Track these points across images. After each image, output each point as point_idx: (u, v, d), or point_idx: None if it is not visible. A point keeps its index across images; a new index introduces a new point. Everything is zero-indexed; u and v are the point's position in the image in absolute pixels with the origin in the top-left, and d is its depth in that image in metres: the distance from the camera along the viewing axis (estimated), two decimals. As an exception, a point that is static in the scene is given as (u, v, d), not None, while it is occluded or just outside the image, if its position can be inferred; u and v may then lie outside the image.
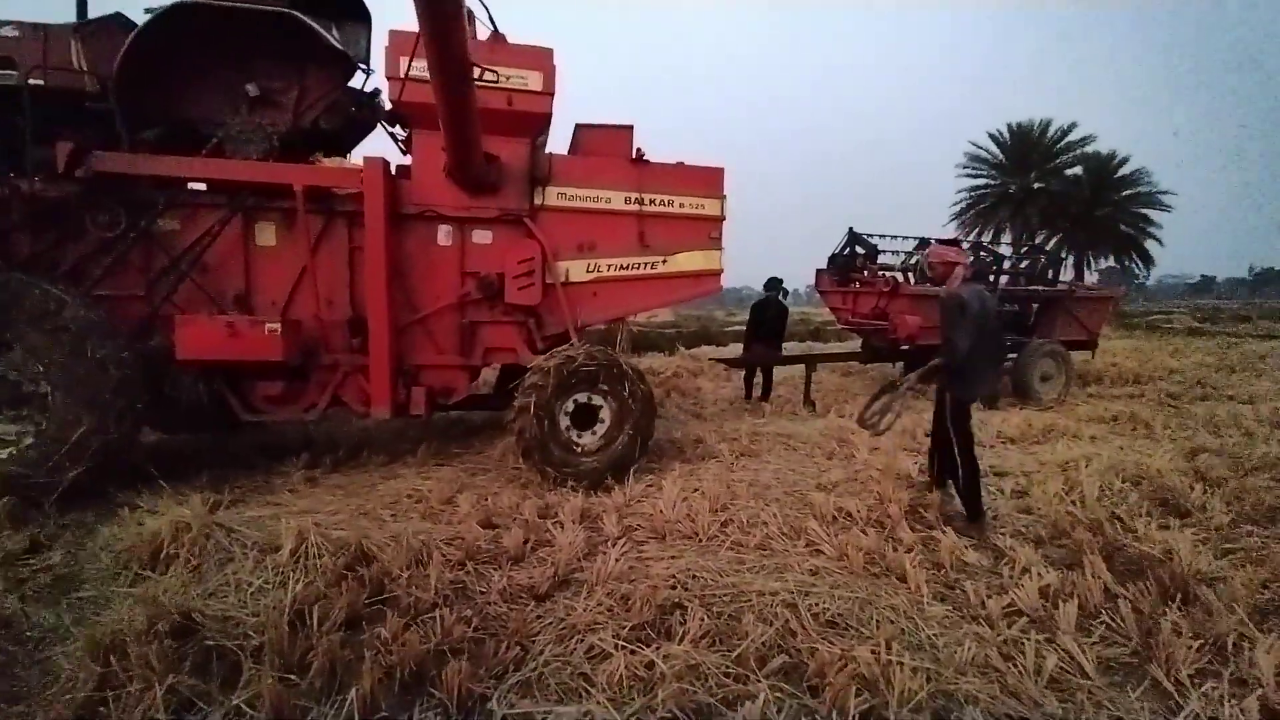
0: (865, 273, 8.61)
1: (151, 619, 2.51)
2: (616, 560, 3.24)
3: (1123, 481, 4.51)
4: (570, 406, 4.80)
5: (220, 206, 4.72)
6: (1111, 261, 30.34)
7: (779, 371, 8.39)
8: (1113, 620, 2.75)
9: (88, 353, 4.05)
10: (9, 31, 4.36)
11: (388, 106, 5.21)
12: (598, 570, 3.13)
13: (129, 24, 4.67)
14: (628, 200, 5.41)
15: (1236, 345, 14.53)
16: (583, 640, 2.57)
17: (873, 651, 2.43)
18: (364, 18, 5.17)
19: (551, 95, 4.97)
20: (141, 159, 4.48)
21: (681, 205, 5.55)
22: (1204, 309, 31.33)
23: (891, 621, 2.71)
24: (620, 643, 2.53)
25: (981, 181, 29.72)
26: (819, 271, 9.09)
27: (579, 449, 4.79)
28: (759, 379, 8.24)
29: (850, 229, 8.78)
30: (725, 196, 5.73)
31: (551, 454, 4.65)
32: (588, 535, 3.63)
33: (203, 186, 4.80)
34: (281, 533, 3.34)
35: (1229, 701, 2.26)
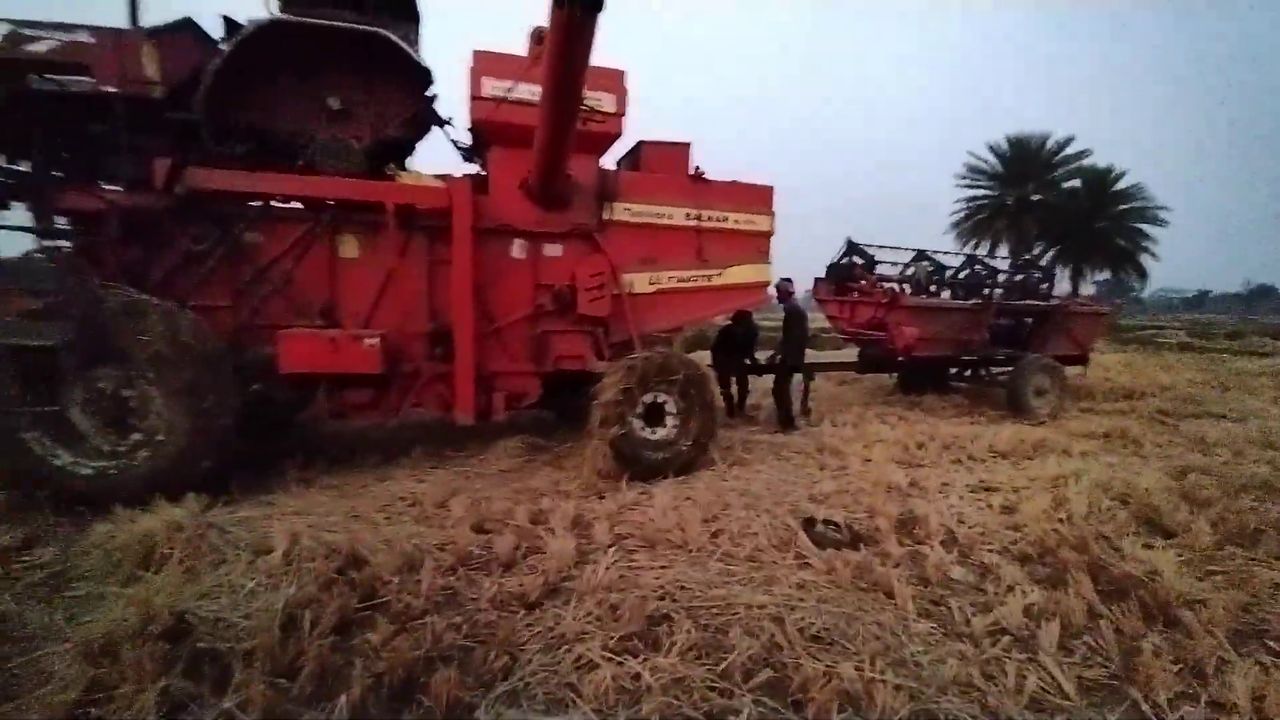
0: (863, 283, 8.65)
1: (144, 620, 2.54)
2: (606, 569, 3.27)
3: (1111, 499, 4.55)
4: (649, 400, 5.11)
5: (304, 220, 4.86)
6: (1107, 274, 30.51)
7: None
8: (1095, 641, 2.79)
9: (218, 413, 4.20)
10: (84, 37, 4.32)
11: (446, 116, 5.47)
12: (588, 579, 3.15)
13: (200, 30, 4.74)
14: (688, 216, 5.71)
15: (1228, 362, 14.63)
16: (571, 650, 2.60)
17: (857, 668, 2.47)
18: (415, 17, 5.30)
19: (623, 116, 5.22)
20: (239, 176, 4.58)
21: (736, 221, 5.88)
22: (1198, 324, 31.48)
23: (877, 638, 2.74)
24: (608, 654, 2.55)
25: (980, 192, 29.86)
26: (817, 280, 9.13)
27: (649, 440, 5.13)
28: (734, 391, 8.11)
29: (848, 239, 8.82)
30: (774, 213, 6.02)
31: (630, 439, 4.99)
32: (579, 543, 3.64)
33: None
34: (274, 535, 3.38)
35: (1205, 725, 2.30)
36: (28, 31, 4.22)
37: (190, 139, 4.59)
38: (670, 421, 5.19)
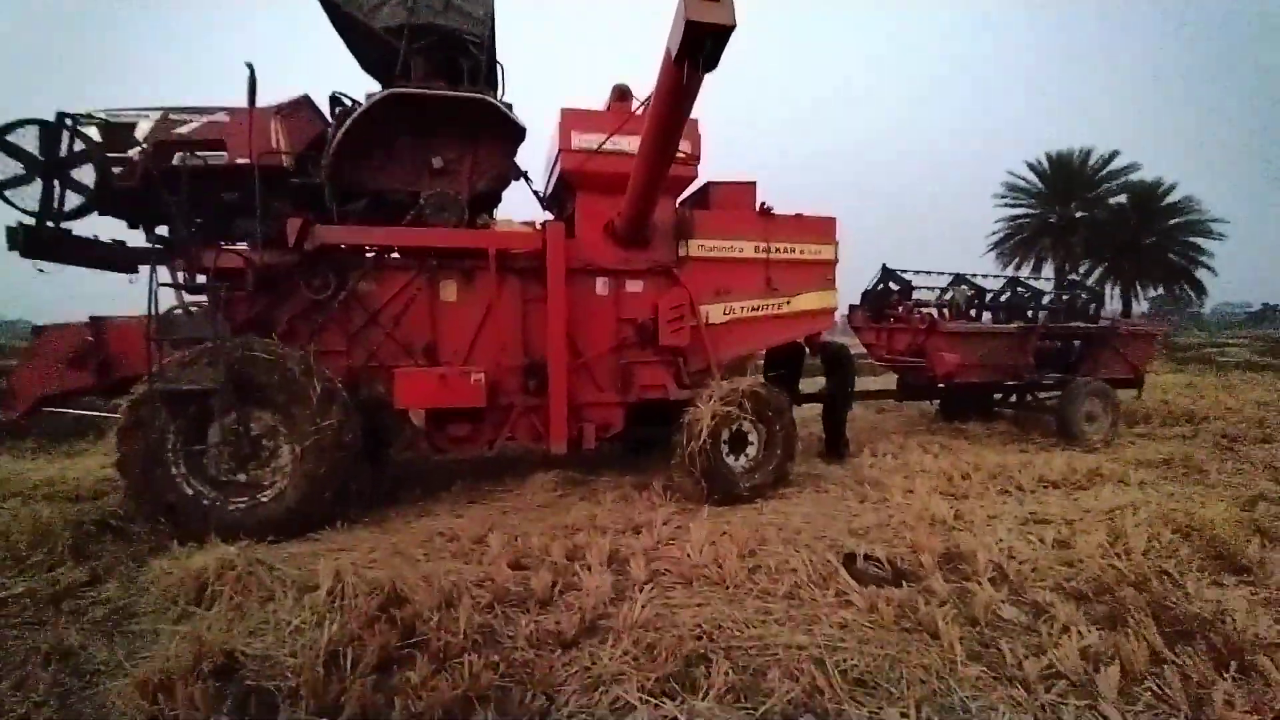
0: (900, 309, 8.53)
1: (196, 658, 2.63)
2: (643, 607, 3.24)
3: (1173, 533, 4.30)
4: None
5: (410, 268, 5.29)
6: (1161, 291, 29.25)
7: (811, 409, 8.25)
8: (1160, 688, 2.62)
9: (341, 449, 4.56)
10: (221, 117, 4.88)
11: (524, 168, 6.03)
12: (624, 617, 3.13)
13: (315, 105, 5.37)
14: (757, 249, 6.07)
15: (1301, 381, 13.75)
16: (608, 691, 2.58)
17: (902, 714, 2.39)
18: (496, 83, 5.77)
19: (698, 160, 5.64)
20: (359, 230, 5.14)
21: (802, 252, 6.23)
22: (1265, 340, 29.69)
23: (923, 682, 2.64)
24: (645, 696, 2.53)
25: (1021, 211, 29.21)
26: (852, 307, 9.04)
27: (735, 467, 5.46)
28: None
29: (884, 265, 8.75)
30: (838, 242, 6.37)
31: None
32: (615, 579, 3.63)
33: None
34: (319, 571, 3.47)
35: (1288, 783, 2.13)
36: (175, 116, 4.82)
37: (310, 201, 5.08)
38: (751, 450, 5.48)
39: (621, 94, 5.64)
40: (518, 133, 5.39)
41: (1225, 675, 2.68)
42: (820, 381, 7.36)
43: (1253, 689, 2.60)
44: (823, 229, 6.34)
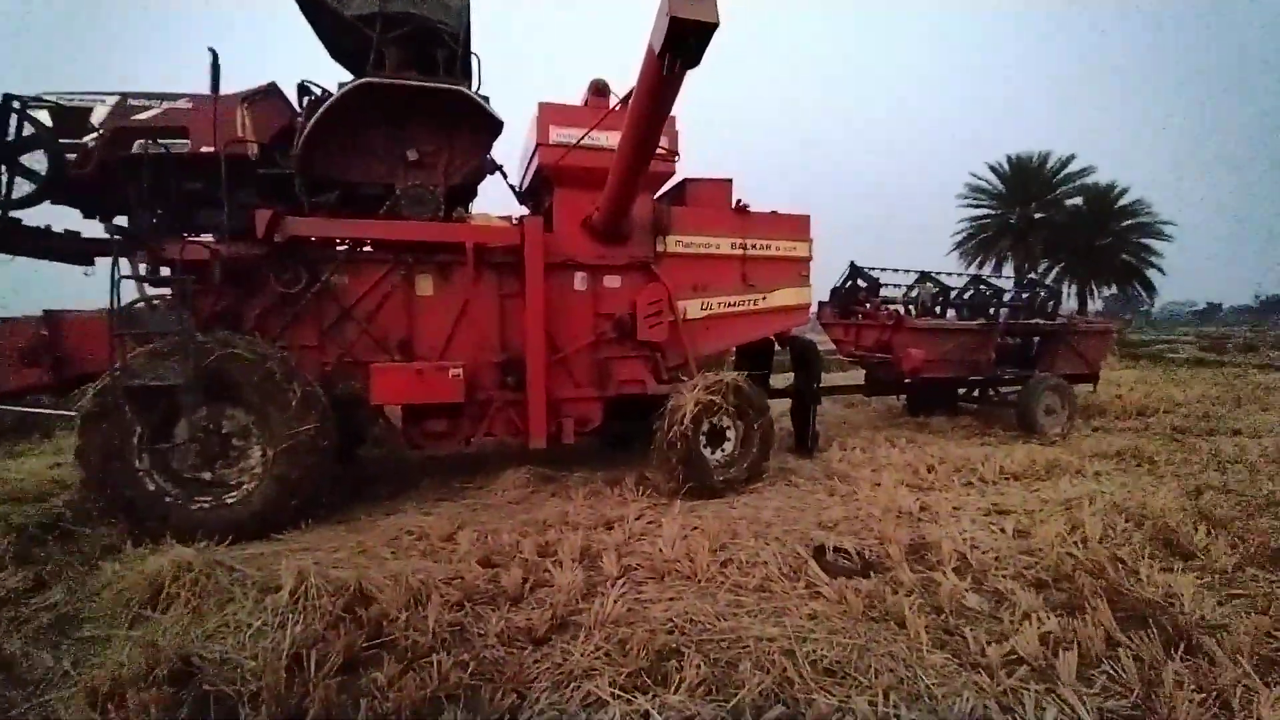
0: (868, 305, 8.68)
1: (150, 663, 2.53)
2: (615, 602, 3.23)
3: (1126, 521, 4.47)
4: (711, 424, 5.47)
5: (385, 262, 5.17)
6: (1115, 290, 30.37)
7: (780, 404, 8.35)
8: (1114, 670, 2.72)
9: (314, 448, 4.43)
10: (183, 104, 4.67)
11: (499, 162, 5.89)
12: (596, 613, 3.12)
13: (283, 94, 5.18)
14: (733, 245, 6.12)
15: (1243, 376, 14.43)
16: (579, 687, 2.56)
17: (871, 702, 2.42)
18: (469, 74, 5.67)
19: (677, 155, 5.66)
20: (332, 223, 4.98)
21: (777, 248, 6.31)
22: (1210, 337, 31.09)
23: (890, 670, 2.69)
24: (617, 691, 2.52)
25: (982, 212, 29.97)
26: (821, 304, 9.16)
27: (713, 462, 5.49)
28: None
29: (852, 263, 8.89)
30: (812, 239, 6.45)
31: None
32: (587, 575, 3.62)
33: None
34: (282, 572, 3.37)
35: (1232, 758, 2.22)
36: (134, 102, 4.59)
37: (278, 192, 4.91)
38: (728, 446, 5.54)
39: (599, 89, 5.61)
40: (494, 125, 5.30)
41: (1175, 656, 2.79)
42: (789, 377, 7.43)
43: (1200, 669, 2.71)
44: (797, 226, 6.41)
